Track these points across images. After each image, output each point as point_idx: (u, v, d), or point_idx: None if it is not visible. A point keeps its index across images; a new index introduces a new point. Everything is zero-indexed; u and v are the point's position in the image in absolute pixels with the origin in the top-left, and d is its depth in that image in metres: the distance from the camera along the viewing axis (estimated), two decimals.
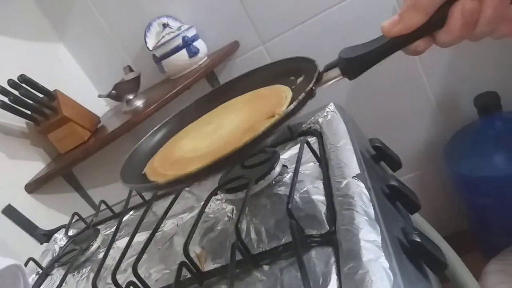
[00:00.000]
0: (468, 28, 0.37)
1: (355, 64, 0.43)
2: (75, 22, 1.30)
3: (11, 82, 0.99)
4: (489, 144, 1.16)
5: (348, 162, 0.53)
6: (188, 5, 1.24)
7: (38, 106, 1.04)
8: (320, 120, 0.67)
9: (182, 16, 1.25)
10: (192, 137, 0.57)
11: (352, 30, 1.18)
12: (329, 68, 0.46)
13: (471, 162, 1.15)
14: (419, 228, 0.63)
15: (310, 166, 0.57)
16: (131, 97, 1.17)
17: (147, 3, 1.24)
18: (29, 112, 1.04)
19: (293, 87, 0.53)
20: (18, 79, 1.01)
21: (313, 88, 0.45)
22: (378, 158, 0.64)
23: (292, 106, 0.42)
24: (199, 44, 1.20)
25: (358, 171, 0.50)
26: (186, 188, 0.73)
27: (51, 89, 1.10)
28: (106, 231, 0.78)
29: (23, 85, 1.02)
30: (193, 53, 1.19)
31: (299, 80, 0.54)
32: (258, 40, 1.26)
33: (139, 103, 1.17)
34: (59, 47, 1.32)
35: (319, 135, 0.64)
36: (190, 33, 1.18)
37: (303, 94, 0.43)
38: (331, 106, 0.68)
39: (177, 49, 1.17)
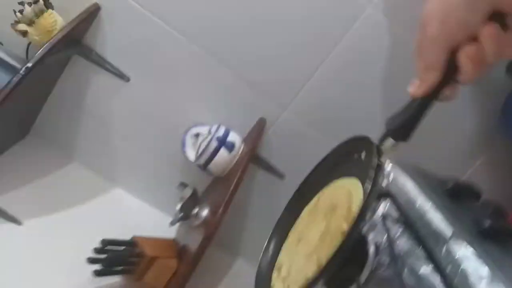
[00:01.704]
0: (480, 64, 0.42)
1: (403, 129, 0.51)
2: (120, 163, 1.42)
3: (97, 249, 1.08)
4: None
5: (436, 224, 0.55)
6: (206, 108, 1.34)
7: (126, 259, 1.12)
8: (384, 183, 0.69)
9: (205, 119, 1.33)
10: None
11: (359, 67, 1.24)
12: (382, 140, 0.53)
13: None
14: None
15: (402, 241, 0.59)
16: (195, 210, 1.24)
17: (173, 124, 1.35)
18: (120, 268, 1.12)
19: (358, 168, 0.58)
20: (101, 243, 1.10)
21: (379, 162, 0.51)
22: (457, 195, 0.63)
23: (367, 193, 0.48)
24: (232, 137, 1.27)
25: (451, 232, 0.52)
26: None
27: (126, 237, 1.18)
28: None
29: (108, 247, 1.10)
30: (231, 147, 1.25)
31: (362, 155, 0.59)
32: (279, 109, 1.31)
33: (205, 213, 1.23)
34: (116, 192, 1.43)
35: (391, 200, 0.65)
36: (221, 132, 1.25)
37: (371, 179, 0.50)
38: (388, 166, 0.70)
39: (216, 151, 1.24)
